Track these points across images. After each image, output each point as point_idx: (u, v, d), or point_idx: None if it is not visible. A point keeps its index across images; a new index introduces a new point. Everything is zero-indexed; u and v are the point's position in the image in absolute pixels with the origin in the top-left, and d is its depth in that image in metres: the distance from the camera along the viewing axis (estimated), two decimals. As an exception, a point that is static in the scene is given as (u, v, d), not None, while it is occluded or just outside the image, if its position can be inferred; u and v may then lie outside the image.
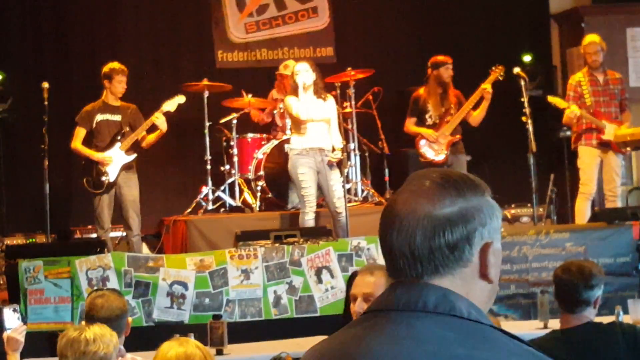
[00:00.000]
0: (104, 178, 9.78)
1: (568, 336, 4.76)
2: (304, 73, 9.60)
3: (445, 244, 1.85)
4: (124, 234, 10.27)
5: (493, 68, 10.36)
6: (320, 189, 9.70)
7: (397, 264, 1.88)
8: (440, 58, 10.41)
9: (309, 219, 9.59)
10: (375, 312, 1.89)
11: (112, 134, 9.90)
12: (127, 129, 9.92)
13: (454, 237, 1.86)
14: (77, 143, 9.91)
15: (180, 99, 10.06)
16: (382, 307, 1.89)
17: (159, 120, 9.80)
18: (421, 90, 10.48)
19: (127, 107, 10.05)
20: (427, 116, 10.38)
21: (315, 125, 9.58)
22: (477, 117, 10.36)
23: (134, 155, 9.93)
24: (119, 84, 9.91)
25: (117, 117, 9.96)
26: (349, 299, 4.39)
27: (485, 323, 1.83)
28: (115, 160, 9.82)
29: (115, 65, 9.96)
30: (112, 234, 10.19)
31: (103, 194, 9.79)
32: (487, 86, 10.20)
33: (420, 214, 1.86)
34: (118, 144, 9.86)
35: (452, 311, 1.82)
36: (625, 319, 6.72)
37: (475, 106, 10.32)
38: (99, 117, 9.92)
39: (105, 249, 8.75)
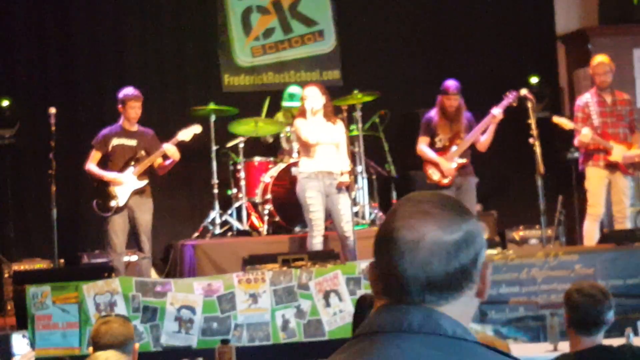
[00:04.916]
0: (113, 202, 9.77)
1: (579, 359, 4.73)
2: (312, 98, 9.61)
3: (460, 268, 1.87)
4: (133, 257, 10.26)
5: (506, 93, 10.30)
6: (328, 212, 9.69)
7: (406, 289, 1.88)
8: (445, 85, 10.33)
9: (316, 242, 9.58)
10: (363, 335, 1.90)
11: (126, 159, 9.90)
12: (142, 153, 9.92)
13: (464, 261, 1.88)
14: (90, 164, 9.92)
15: (197, 128, 10.06)
16: (368, 330, 1.89)
17: (171, 150, 9.80)
18: (432, 112, 10.46)
19: (144, 133, 10.05)
20: (436, 139, 10.36)
21: (324, 148, 9.59)
22: (484, 142, 10.32)
23: (146, 181, 9.92)
24: (132, 110, 9.91)
25: (133, 142, 9.95)
26: (357, 323, 4.37)
27: (470, 340, 1.85)
28: (126, 183, 9.81)
29: (128, 90, 9.96)
30: (125, 258, 10.17)
31: (111, 217, 9.78)
32: (497, 112, 10.15)
33: (431, 240, 1.86)
34: (131, 169, 9.85)
35: (437, 330, 1.84)
36: (636, 341, 6.68)
37: (483, 131, 10.29)
38: (115, 142, 9.92)
39: (113, 274, 8.73)
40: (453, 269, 1.86)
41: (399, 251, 1.87)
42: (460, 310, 1.89)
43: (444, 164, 10.25)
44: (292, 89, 11.37)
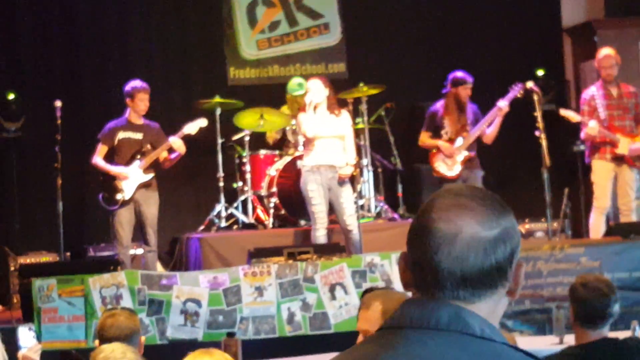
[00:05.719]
0: (119, 195, 9.78)
1: (585, 352, 4.72)
2: (315, 90, 9.60)
3: (496, 265, 1.85)
4: (139, 250, 10.27)
5: (512, 85, 10.28)
6: (331, 206, 9.69)
7: (441, 283, 1.86)
8: (460, 76, 10.30)
9: (320, 235, 9.58)
10: (390, 329, 1.88)
11: (132, 152, 9.90)
12: (148, 147, 9.91)
13: (500, 258, 1.85)
14: (97, 158, 9.92)
15: (202, 122, 10.05)
16: (395, 324, 1.88)
17: (177, 144, 9.80)
18: (438, 105, 10.43)
19: (150, 126, 10.04)
20: (443, 132, 10.33)
21: (327, 141, 9.58)
22: (490, 135, 10.31)
23: (152, 175, 9.92)
24: (141, 102, 9.90)
25: (139, 136, 9.95)
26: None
27: (498, 341, 1.83)
28: (132, 177, 9.81)
29: (137, 83, 9.95)
30: (131, 252, 10.18)
31: (117, 211, 9.79)
32: (503, 105, 10.14)
33: (469, 235, 1.84)
34: (137, 162, 9.85)
35: (465, 329, 1.82)
36: (642, 334, 6.67)
37: (489, 123, 10.28)
38: (121, 135, 9.92)
39: (119, 267, 8.74)
40: (489, 265, 1.84)
41: (435, 244, 1.85)
42: (490, 308, 1.87)
43: (446, 147, 10.21)
44: (298, 79, 11.33)
